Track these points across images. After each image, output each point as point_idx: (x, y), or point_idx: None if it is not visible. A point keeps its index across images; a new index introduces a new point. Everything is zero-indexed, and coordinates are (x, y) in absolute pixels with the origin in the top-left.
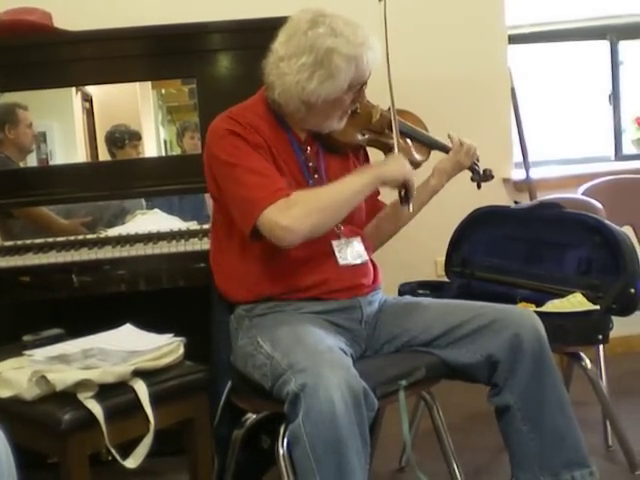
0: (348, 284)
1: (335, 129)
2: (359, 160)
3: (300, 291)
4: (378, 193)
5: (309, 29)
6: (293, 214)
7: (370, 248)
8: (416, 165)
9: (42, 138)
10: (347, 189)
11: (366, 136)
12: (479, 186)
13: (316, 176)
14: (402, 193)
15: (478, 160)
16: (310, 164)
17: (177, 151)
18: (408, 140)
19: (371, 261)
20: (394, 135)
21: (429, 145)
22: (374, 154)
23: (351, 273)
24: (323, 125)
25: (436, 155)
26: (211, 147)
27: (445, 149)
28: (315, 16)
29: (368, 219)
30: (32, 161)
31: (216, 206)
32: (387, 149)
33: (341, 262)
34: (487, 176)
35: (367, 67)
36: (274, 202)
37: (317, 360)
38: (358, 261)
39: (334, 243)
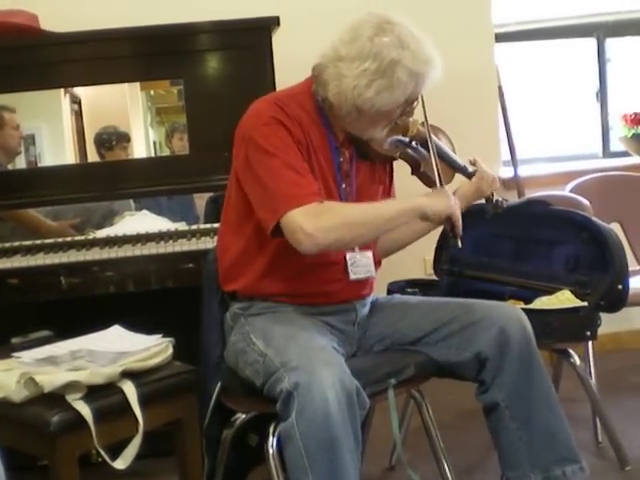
0: (348, 296)
1: (376, 138)
2: (385, 172)
3: (300, 297)
4: None
5: (375, 35)
6: (320, 223)
7: (377, 260)
8: (435, 184)
9: (31, 140)
10: (382, 213)
11: (401, 148)
12: (489, 215)
13: (347, 180)
14: (448, 228)
15: (496, 190)
16: (343, 167)
17: (166, 152)
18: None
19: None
20: (432, 158)
21: (454, 168)
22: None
23: (354, 289)
24: (367, 132)
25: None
26: (251, 131)
27: (468, 174)
28: (382, 22)
29: None
30: (21, 163)
31: (237, 189)
32: (416, 165)
33: (352, 277)
34: (498, 207)
35: (427, 85)
36: (305, 205)
37: (310, 358)
38: (367, 275)
39: (348, 256)
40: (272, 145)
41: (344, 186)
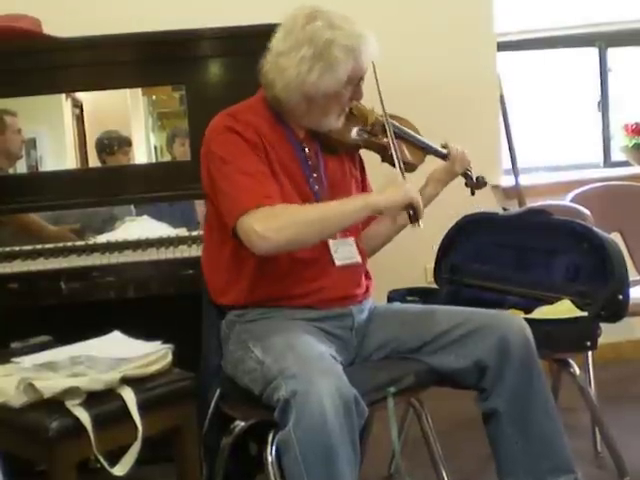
0: (342, 293)
1: (333, 127)
2: (355, 165)
3: (293, 298)
4: None
5: (307, 23)
6: (272, 224)
7: (364, 254)
8: (410, 167)
9: (32, 144)
10: (335, 211)
11: (363, 136)
12: (473, 192)
13: (315, 175)
14: (410, 213)
15: (470, 166)
16: (309, 162)
17: (167, 158)
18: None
19: (365, 271)
20: (389, 138)
21: (424, 149)
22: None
23: (345, 282)
24: (322, 123)
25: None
26: (209, 143)
27: (441, 155)
28: (312, 11)
29: (364, 225)
30: (22, 167)
31: (211, 208)
32: (383, 151)
33: (337, 262)
34: (480, 183)
35: (365, 60)
36: (258, 208)
37: (308, 367)
38: (352, 261)
39: (330, 243)
40: (227, 152)
41: (315, 183)
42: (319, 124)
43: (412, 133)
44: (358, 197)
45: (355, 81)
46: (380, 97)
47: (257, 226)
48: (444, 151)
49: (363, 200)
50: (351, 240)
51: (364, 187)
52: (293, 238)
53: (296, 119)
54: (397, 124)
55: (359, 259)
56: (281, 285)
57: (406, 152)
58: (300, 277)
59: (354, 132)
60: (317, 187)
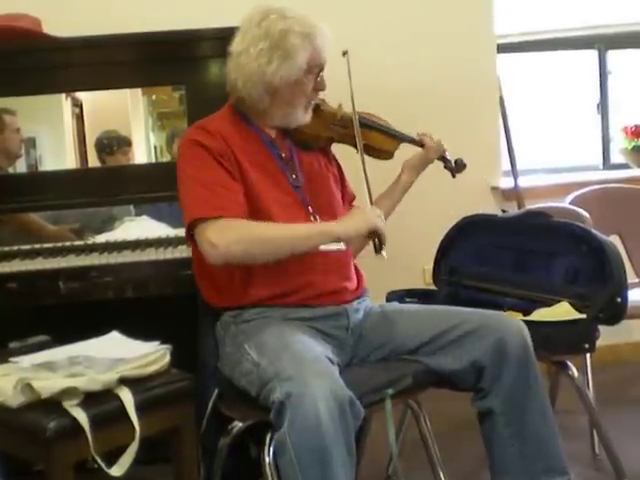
0: (333, 287)
1: (302, 122)
2: (330, 162)
3: (286, 295)
4: (353, 198)
5: (262, 20)
6: (226, 235)
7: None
8: (385, 155)
9: (31, 143)
10: (292, 232)
11: (334, 129)
12: (454, 175)
13: (290, 168)
14: (376, 242)
15: (446, 152)
16: (283, 156)
17: (167, 158)
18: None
19: (355, 268)
20: (356, 132)
21: (397, 138)
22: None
23: (334, 275)
24: (289, 117)
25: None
26: (178, 157)
27: (414, 142)
28: (265, 9)
29: None
30: (21, 166)
31: None
32: (356, 144)
33: (321, 247)
34: (459, 165)
35: (322, 47)
36: (213, 218)
37: (303, 369)
38: (336, 247)
39: None
40: (191, 165)
41: (293, 177)
42: (287, 119)
43: (383, 123)
44: (321, 223)
45: (315, 70)
46: (351, 90)
47: (211, 235)
48: (418, 139)
49: (323, 225)
50: None
51: (343, 186)
52: (244, 252)
53: (264, 119)
54: (366, 116)
55: (343, 247)
56: (270, 284)
57: (380, 140)
58: (288, 272)
59: (325, 126)
60: (294, 178)
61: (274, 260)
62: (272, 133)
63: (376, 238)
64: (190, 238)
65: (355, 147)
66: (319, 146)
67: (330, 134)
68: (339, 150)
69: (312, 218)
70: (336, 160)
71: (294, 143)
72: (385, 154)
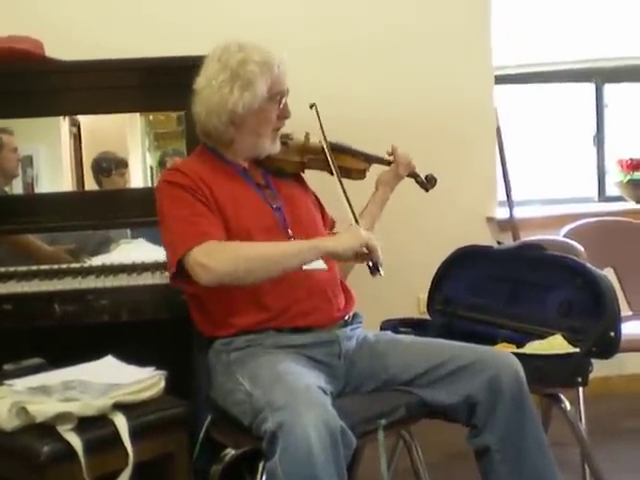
0: (318, 305)
1: (270, 152)
2: (305, 188)
3: (272, 319)
4: (333, 224)
5: (221, 55)
6: (216, 255)
7: (336, 269)
8: (357, 173)
9: (28, 161)
10: (282, 249)
11: (305, 155)
12: (427, 190)
13: (272, 198)
14: (370, 264)
15: (415, 168)
16: (260, 183)
17: None
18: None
19: (344, 287)
20: (330, 163)
21: (367, 158)
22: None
23: (320, 292)
24: (257, 147)
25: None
26: (156, 200)
27: (384, 162)
28: (225, 44)
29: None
30: (18, 185)
31: None
32: (329, 167)
33: (304, 267)
34: (430, 180)
35: (282, 74)
36: (200, 244)
37: (295, 398)
38: (319, 267)
39: None
40: (168, 205)
41: (271, 201)
42: (255, 149)
43: (351, 146)
44: (309, 240)
45: (277, 97)
46: (318, 116)
47: (200, 258)
48: (388, 157)
49: (312, 242)
50: None
51: (322, 213)
52: (235, 271)
53: (234, 150)
54: (334, 141)
55: (325, 267)
56: (256, 307)
57: (350, 161)
58: (272, 296)
59: (294, 152)
60: (273, 200)
61: (267, 278)
62: (244, 163)
63: (370, 258)
64: (174, 277)
65: (327, 171)
66: (291, 171)
67: (300, 159)
68: (312, 178)
69: (292, 240)
70: (311, 190)
71: (267, 171)
72: (357, 173)
